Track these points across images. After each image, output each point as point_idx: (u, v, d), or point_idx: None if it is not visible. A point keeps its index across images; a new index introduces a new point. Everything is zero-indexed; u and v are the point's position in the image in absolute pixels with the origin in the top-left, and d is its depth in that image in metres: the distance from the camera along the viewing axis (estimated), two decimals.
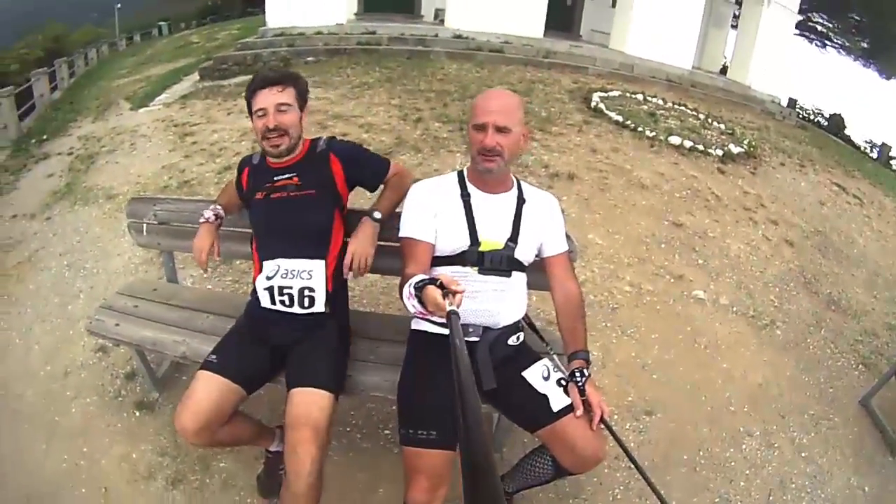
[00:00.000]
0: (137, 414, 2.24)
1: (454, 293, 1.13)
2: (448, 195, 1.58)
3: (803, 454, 2.41)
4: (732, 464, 2.27)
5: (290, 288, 1.64)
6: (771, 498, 2.16)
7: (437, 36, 9.79)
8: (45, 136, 6.71)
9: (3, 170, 5.50)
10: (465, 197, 1.57)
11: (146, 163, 5.04)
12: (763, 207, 4.98)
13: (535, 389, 1.49)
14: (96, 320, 2.06)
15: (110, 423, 2.21)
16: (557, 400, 1.47)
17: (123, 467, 2.03)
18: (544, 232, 1.64)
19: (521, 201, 1.61)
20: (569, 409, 1.45)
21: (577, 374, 1.50)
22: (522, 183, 1.68)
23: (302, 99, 1.72)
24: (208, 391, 1.50)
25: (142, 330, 1.98)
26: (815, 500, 2.20)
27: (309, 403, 1.49)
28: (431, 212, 1.56)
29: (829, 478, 2.33)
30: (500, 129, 1.47)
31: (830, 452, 2.46)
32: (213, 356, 1.60)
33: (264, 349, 1.66)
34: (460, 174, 1.63)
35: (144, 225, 2.25)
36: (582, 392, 1.48)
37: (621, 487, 2.06)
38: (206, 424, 1.48)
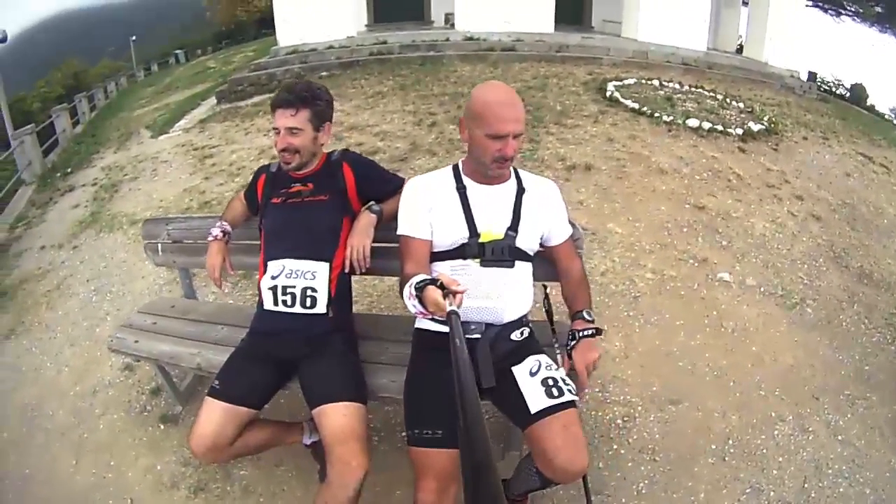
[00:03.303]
0: (162, 427, 2.30)
1: (454, 293, 1.13)
2: (443, 189, 1.57)
3: (839, 437, 2.29)
4: (764, 451, 2.17)
5: (294, 287, 1.66)
6: (806, 485, 2.05)
7: (448, 40, 9.81)
8: (69, 170, 6.94)
9: (31, 204, 5.73)
10: (461, 189, 1.55)
11: (168, 187, 5.20)
12: (787, 183, 4.81)
13: (518, 387, 1.44)
14: (117, 338, 2.13)
15: (136, 436, 2.28)
16: (535, 401, 1.39)
17: (148, 478, 2.08)
18: (547, 220, 1.62)
19: (520, 190, 1.59)
20: (547, 412, 1.36)
21: (569, 337, 1.51)
22: (520, 171, 1.65)
23: (319, 118, 1.76)
24: (210, 418, 1.56)
25: (159, 344, 2.04)
26: (854, 485, 2.08)
27: (348, 416, 1.52)
28: (426, 207, 1.55)
29: (868, 460, 2.20)
30: (516, 136, 1.45)
31: (868, 434, 2.33)
32: (217, 381, 1.63)
33: (269, 365, 1.68)
34: (455, 167, 1.62)
35: (159, 244, 2.32)
36: (570, 356, 1.48)
37: (646, 481, 2.00)
38: (211, 447, 1.54)
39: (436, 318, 1.24)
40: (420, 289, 1.20)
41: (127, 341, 2.09)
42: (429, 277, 1.21)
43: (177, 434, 2.24)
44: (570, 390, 1.43)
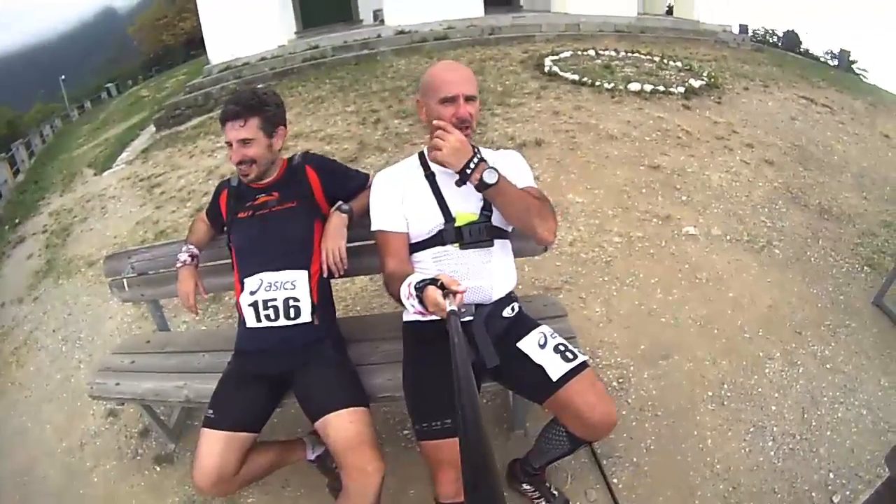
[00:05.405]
0: (158, 469, 2.21)
1: (455, 293, 1.12)
2: (412, 178, 1.55)
3: (828, 366, 2.38)
4: (759, 390, 2.24)
5: (275, 300, 1.61)
6: (805, 415, 2.13)
7: (379, 37, 9.68)
8: (17, 221, 6.64)
9: None
10: (430, 176, 1.53)
11: (120, 223, 5.01)
12: (736, 133, 4.96)
13: (532, 360, 1.45)
14: (97, 384, 2.03)
15: (133, 483, 2.18)
16: (555, 368, 1.42)
17: None
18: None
19: None
20: (569, 375, 1.40)
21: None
22: (480, 148, 1.63)
23: (270, 124, 1.70)
24: (211, 450, 1.50)
25: (142, 383, 1.95)
26: (850, 409, 2.17)
27: (355, 422, 1.48)
28: (398, 199, 1.52)
29: (859, 384, 2.30)
30: (469, 99, 1.45)
31: (855, 358, 2.44)
32: (211, 411, 1.57)
33: (261, 385, 1.62)
34: (421, 155, 1.60)
35: (125, 280, 2.22)
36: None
37: (652, 437, 2.04)
38: (217, 480, 1.48)
39: (433, 318, 1.22)
40: (420, 289, 1.18)
41: (108, 385, 1.99)
42: (428, 278, 1.19)
43: (175, 473, 2.15)
44: (580, 351, 1.47)
